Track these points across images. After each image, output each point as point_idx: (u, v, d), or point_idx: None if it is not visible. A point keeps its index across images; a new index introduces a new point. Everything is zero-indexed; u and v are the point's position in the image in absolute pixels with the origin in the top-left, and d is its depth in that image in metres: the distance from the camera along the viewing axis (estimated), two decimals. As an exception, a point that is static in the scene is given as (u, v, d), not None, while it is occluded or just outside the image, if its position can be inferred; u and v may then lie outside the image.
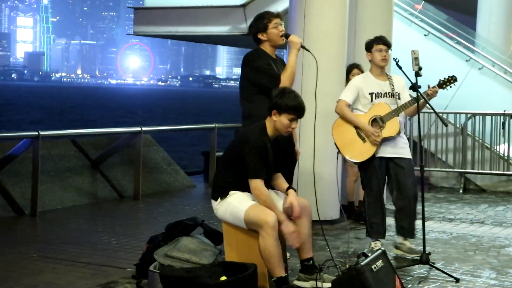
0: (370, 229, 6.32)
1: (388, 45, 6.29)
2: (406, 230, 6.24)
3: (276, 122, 4.96)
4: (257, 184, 4.89)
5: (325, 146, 7.09)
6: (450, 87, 6.26)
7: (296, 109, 4.95)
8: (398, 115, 6.16)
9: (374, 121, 6.18)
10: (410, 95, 6.31)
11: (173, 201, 9.37)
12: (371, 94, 6.22)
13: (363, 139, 6.18)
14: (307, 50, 5.80)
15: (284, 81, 5.57)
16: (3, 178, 8.16)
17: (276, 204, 5.01)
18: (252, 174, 4.89)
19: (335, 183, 7.35)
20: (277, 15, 5.80)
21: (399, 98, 6.23)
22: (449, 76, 6.23)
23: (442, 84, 6.22)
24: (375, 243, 6.30)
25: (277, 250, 4.79)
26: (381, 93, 6.22)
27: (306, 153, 7.65)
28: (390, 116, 6.14)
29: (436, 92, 6.15)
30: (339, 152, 6.33)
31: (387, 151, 6.20)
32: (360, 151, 6.21)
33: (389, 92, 6.23)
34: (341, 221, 7.63)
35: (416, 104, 6.04)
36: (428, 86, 6.17)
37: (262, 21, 5.74)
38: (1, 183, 8.12)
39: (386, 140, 6.17)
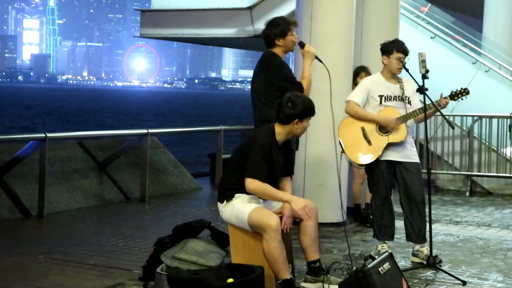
0: (378, 231, 6.31)
1: (407, 54, 6.20)
2: (416, 235, 6.21)
3: (297, 129, 5.07)
4: (251, 182, 4.86)
5: (332, 149, 7.08)
6: (462, 99, 6.24)
7: (313, 109, 5.13)
8: (406, 122, 6.14)
9: (381, 125, 6.17)
10: (420, 101, 6.28)
11: (179, 203, 9.38)
12: (380, 96, 6.20)
13: (369, 142, 6.17)
14: (320, 61, 5.93)
15: (306, 90, 5.84)
16: (10, 180, 8.19)
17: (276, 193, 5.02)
18: (249, 173, 4.88)
19: (342, 186, 7.36)
20: (294, 23, 6.03)
21: (408, 103, 6.19)
22: (461, 88, 6.21)
23: (454, 96, 6.19)
24: (382, 245, 6.29)
25: (281, 252, 4.79)
26: (390, 96, 6.19)
27: (312, 157, 7.68)
28: (398, 122, 6.12)
29: (447, 103, 6.12)
30: (343, 151, 6.29)
31: (394, 155, 6.18)
32: (364, 154, 6.19)
33: (398, 96, 6.20)
34: (347, 223, 7.63)
35: (424, 111, 6.03)
36: (441, 96, 6.13)
37: (281, 27, 5.93)
38: (8, 185, 8.15)
39: (392, 144, 6.15)
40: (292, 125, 5.04)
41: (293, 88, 5.70)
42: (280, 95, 5.73)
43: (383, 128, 6.15)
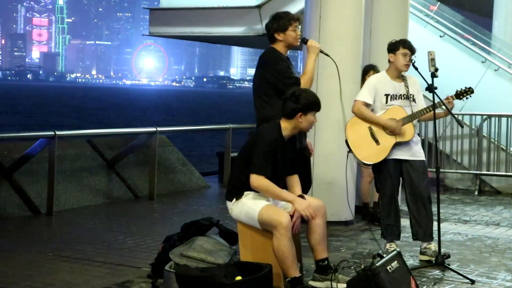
0: (385, 231, 6.31)
1: (413, 51, 6.22)
2: (423, 233, 6.20)
3: (302, 123, 5.04)
4: (257, 179, 4.87)
5: (340, 148, 7.08)
6: (467, 98, 6.25)
7: (318, 103, 5.09)
8: (412, 121, 6.15)
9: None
10: (424, 96, 6.30)
11: (187, 201, 9.40)
12: (386, 95, 6.20)
13: (377, 142, 6.16)
14: (326, 54, 5.87)
15: (304, 85, 5.66)
16: (20, 178, 8.22)
17: (289, 206, 5.05)
18: (254, 169, 4.89)
19: (350, 185, 7.35)
20: (297, 19, 5.90)
21: (413, 101, 6.21)
22: (466, 87, 6.22)
23: (460, 95, 6.22)
24: (390, 245, 6.29)
25: (291, 250, 4.80)
26: (396, 95, 6.20)
27: (321, 155, 7.68)
28: (405, 121, 6.12)
29: (452, 104, 6.12)
30: (349, 151, 6.28)
31: (400, 153, 6.18)
32: (372, 153, 6.18)
33: (403, 94, 6.21)
34: (355, 222, 7.63)
35: (431, 111, 6.04)
36: (447, 98, 6.15)
37: (282, 21, 5.79)
38: (18, 183, 8.18)
39: (399, 143, 6.15)
40: (296, 120, 5.03)
41: (289, 83, 5.60)
42: (274, 92, 5.70)
43: None
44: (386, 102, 6.19)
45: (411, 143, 6.18)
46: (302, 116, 5.02)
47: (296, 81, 5.67)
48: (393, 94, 6.20)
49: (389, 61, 6.28)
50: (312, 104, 5.04)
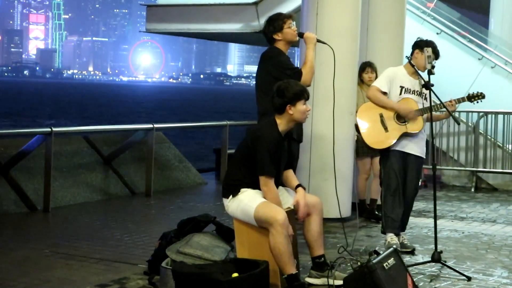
0: (385, 223, 6.35)
1: (437, 56, 6.26)
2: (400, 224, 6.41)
3: (293, 114, 5.02)
4: (266, 181, 4.92)
5: (338, 143, 7.08)
6: (477, 102, 6.36)
7: (304, 91, 5.09)
8: (423, 115, 6.23)
9: (399, 115, 6.25)
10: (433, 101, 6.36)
11: (184, 198, 9.40)
12: (401, 87, 6.30)
13: (386, 129, 6.25)
14: (323, 42, 6.06)
15: (306, 75, 5.89)
16: (16, 174, 8.21)
17: (286, 202, 5.10)
18: (262, 170, 4.92)
19: (348, 181, 7.35)
20: (290, 16, 6.11)
21: (425, 99, 6.27)
22: (478, 92, 6.34)
23: (471, 98, 6.36)
24: (391, 238, 6.30)
25: (287, 247, 4.80)
26: (410, 89, 6.30)
27: (318, 152, 7.68)
28: (417, 113, 6.23)
29: (454, 107, 6.23)
30: (358, 135, 6.36)
31: (409, 147, 6.29)
32: (379, 139, 6.29)
33: (417, 91, 6.32)
34: (352, 219, 7.63)
35: (439, 109, 6.21)
36: (455, 100, 6.27)
37: (277, 22, 6.01)
38: (14, 179, 8.17)
39: (408, 135, 6.21)
40: (287, 113, 5.03)
41: (290, 74, 5.78)
42: None
43: (401, 118, 6.23)
44: (400, 94, 6.30)
45: (419, 138, 6.31)
46: (291, 108, 5.02)
47: (298, 71, 5.86)
48: (407, 88, 6.31)
49: (414, 56, 6.32)
50: (298, 93, 5.03)
